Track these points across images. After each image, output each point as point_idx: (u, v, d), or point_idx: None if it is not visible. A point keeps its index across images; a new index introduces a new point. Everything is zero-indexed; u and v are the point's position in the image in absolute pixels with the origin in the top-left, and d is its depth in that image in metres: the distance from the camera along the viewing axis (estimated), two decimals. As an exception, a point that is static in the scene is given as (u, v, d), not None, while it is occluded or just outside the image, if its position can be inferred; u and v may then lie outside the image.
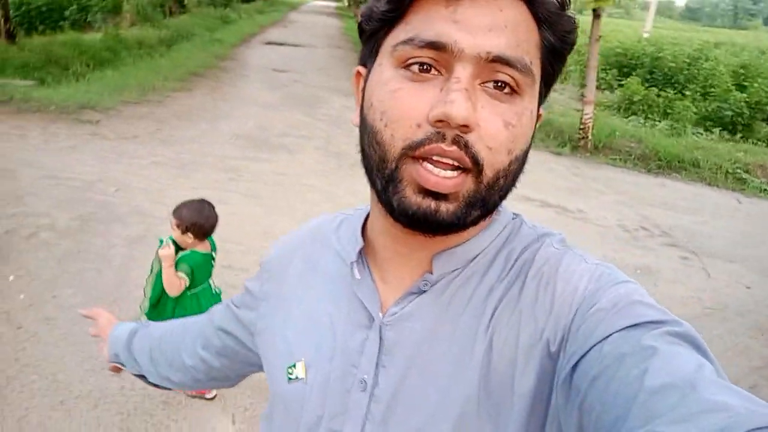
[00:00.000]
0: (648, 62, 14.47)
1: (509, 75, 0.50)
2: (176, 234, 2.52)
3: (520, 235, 0.60)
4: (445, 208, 0.51)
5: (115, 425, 2.39)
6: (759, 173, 7.98)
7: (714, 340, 3.70)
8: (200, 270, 2.60)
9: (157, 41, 13.72)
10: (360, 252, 0.63)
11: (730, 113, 10.48)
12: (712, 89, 11.68)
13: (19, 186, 4.52)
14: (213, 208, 2.68)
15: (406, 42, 0.50)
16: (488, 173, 0.50)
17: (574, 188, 6.72)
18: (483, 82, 0.50)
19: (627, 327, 0.46)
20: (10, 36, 11.61)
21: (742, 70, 13.23)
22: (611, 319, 0.48)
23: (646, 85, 12.37)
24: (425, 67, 0.50)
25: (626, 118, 10.88)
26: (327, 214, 0.76)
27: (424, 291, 0.58)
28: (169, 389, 1.00)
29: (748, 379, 3.37)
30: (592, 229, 5.50)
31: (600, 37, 8.59)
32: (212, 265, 2.72)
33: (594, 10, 8.55)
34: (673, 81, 13.46)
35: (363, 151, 0.56)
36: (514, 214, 0.63)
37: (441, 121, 0.48)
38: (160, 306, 2.57)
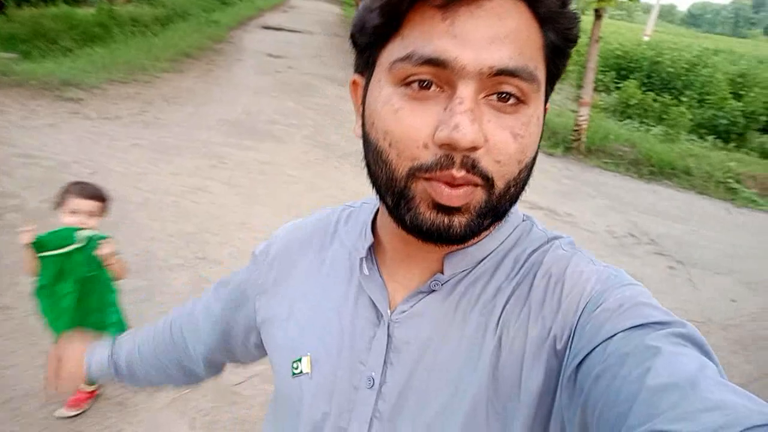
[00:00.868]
0: (647, 66, 14.40)
1: (514, 85, 0.48)
2: (93, 222, 2.15)
3: (530, 237, 0.60)
4: (458, 221, 0.51)
5: (65, 427, 2.27)
6: (750, 184, 7.92)
7: (695, 356, 3.62)
8: None
9: (152, 19, 13.45)
10: (370, 248, 0.63)
11: (725, 121, 10.44)
12: (709, 96, 11.64)
13: (-9, 164, 4.37)
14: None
15: (403, 59, 0.49)
16: (499, 185, 0.50)
17: (565, 191, 6.63)
18: (487, 95, 0.49)
19: (632, 327, 0.47)
20: (0, 7, 11.34)
21: (739, 79, 13.20)
22: (616, 319, 0.48)
23: (644, 89, 12.29)
24: (425, 83, 0.49)
25: (621, 121, 10.80)
26: (333, 206, 0.75)
27: (434, 290, 0.58)
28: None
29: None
30: (580, 234, 5.41)
31: (600, 38, 8.48)
32: None
33: (596, 11, 8.42)
34: (670, 86, 13.41)
35: (368, 166, 0.55)
36: (524, 215, 0.63)
37: (448, 145, 0.47)
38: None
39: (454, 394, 0.55)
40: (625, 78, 13.42)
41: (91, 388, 2.38)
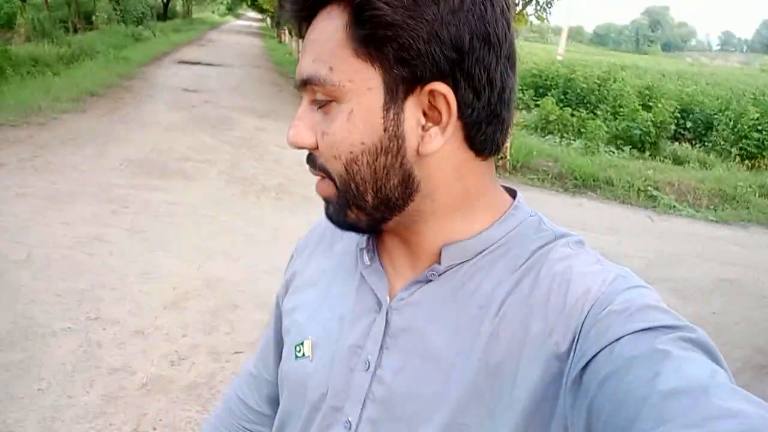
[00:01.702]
0: (562, 83, 14.91)
1: (318, 91, 0.53)
2: None
3: (537, 233, 0.59)
4: (331, 209, 0.58)
5: None
6: (668, 190, 8.15)
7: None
8: None
9: (56, 58, 12.65)
10: (370, 239, 0.65)
11: (638, 132, 10.80)
12: (621, 109, 12.08)
13: None
14: None
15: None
16: (337, 180, 0.55)
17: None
18: (312, 102, 0.55)
19: (639, 330, 0.46)
20: None
21: (647, 91, 13.85)
22: (623, 322, 0.47)
23: (561, 105, 12.64)
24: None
25: (543, 137, 10.99)
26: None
27: (431, 280, 0.59)
28: None
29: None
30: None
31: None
32: None
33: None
34: (585, 101, 13.89)
35: None
36: (532, 212, 0.62)
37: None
38: None
39: (446, 381, 0.55)
40: (543, 95, 13.79)
41: None
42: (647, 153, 10.50)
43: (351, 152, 0.53)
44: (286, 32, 28.23)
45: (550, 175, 8.25)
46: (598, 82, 14.45)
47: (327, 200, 0.58)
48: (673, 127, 11.42)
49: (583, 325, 0.50)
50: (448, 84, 0.51)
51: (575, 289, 0.53)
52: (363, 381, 0.60)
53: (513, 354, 0.53)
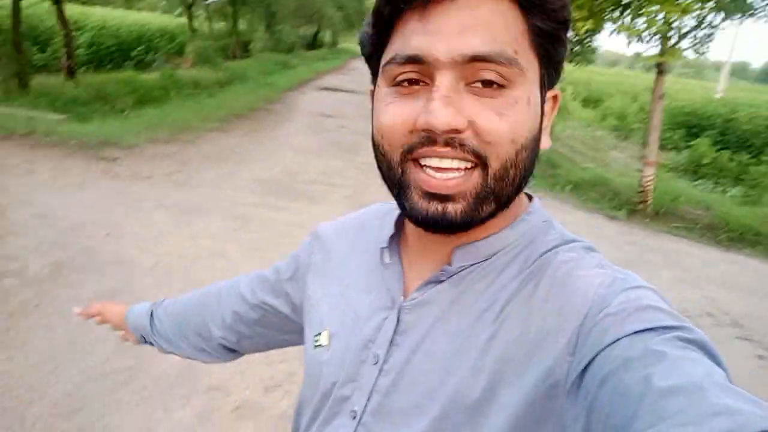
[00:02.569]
0: (720, 123, 13.47)
1: (493, 71, 0.51)
2: None
3: (546, 238, 0.60)
4: (453, 209, 0.53)
5: None
6: None
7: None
8: None
9: (213, 82, 13.92)
10: (391, 238, 0.67)
11: (815, 182, 9.36)
12: (794, 155, 10.58)
13: (3, 225, 4.21)
14: None
15: (390, 62, 0.54)
16: (494, 165, 0.52)
17: (627, 259, 5.89)
18: (469, 83, 0.52)
19: (637, 331, 0.46)
20: (70, 72, 12.02)
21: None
22: (621, 323, 0.48)
23: (717, 147, 11.36)
24: (413, 81, 0.53)
25: (693, 181, 9.92)
26: (383, 203, 0.78)
27: (442, 281, 0.61)
28: (192, 358, 1.00)
29: None
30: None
31: (663, 95, 7.84)
32: None
33: (657, 66, 7.85)
34: (748, 144, 12.37)
35: (377, 164, 0.59)
36: (546, 217, 0.63)
37: (428, 130, 0.51)
38: None
39: (443, 378, 0.57)
40: (695, 136, 12.53)
41: None
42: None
43: (526, 137, 0.54)
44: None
45: (698, 225, 7.35)
46: (766, 123, 12.83)
47: (455, 197, 0.53)
48: None
49: (580, 328, 0.51)
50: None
51: (573, 293, 0.53)
52: (371, 374, 0.63)
53: (511, 355, 0.54)
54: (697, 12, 7.50)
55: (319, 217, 5.53)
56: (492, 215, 0.55)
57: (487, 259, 0.60)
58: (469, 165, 0.52)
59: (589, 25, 7.02)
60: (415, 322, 0.61)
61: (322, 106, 12.98)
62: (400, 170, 0.55)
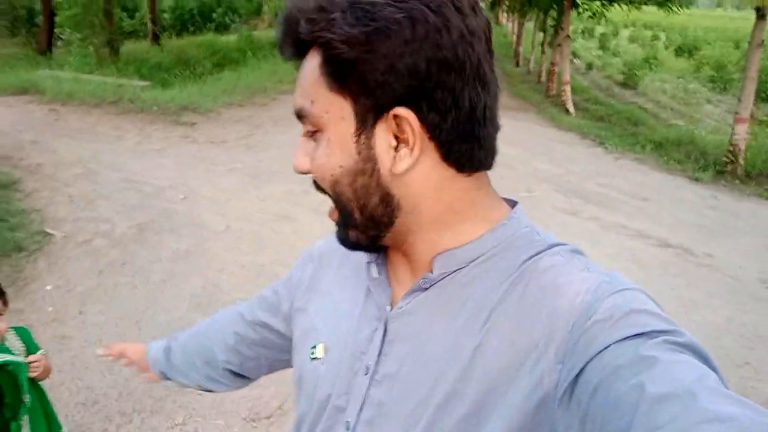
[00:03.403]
0: (833, 71, 12.08)
1: (307, 122, 0.58)
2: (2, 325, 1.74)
3: (529, 243, 0.60)
4: (337, 232, 0.64)
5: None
6: None
7: None
8: None
9: (288, 42, 14.10)
10: (378, 254, 0.69)
11: None
12: None
13: (95, 188, 4.63)
14: None
15: None
16: (334, 200, 0.61)
17: (706, 225, 5.59)
18: (308, 133, 0.60)
19: (625, 338, 0.46)
20: (155, 38, 12.62)
21: None
22: (609, 330, 0.48)
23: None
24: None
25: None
26: None
27: (426, 288, 0.62)
28: (210, 391, 1.04)
29: None
30: (719, 281, 4.45)
31: (762, 42, 7.16)
32: None
33: (757, 9, 7.15)
34: None
35: None
36: (528, 223, 0.63)
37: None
38: None
39: (432, 387, 0.57)
40: (802, 86, 11.36)
41: None
42: None
43: (332, 175, 0.58)
44: (504, 13, 27.60)
45: (796, 188, 6.78)
46: None
47: (336, 224, 0.63)
48: None
49: (569, 337, 0.51)
50: (410, 108, 0.55)
51: (560, 301, 0.53)
52: (362, 385, 0.64)
53: (499, 364, 0.54)
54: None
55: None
56: (373, 238, 0.62)
57: (468, 264, 0.60)
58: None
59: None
60: (402, 331, 0.63)
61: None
62: None
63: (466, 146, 0.57)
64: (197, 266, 3.74)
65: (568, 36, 11.06)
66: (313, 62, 0.56)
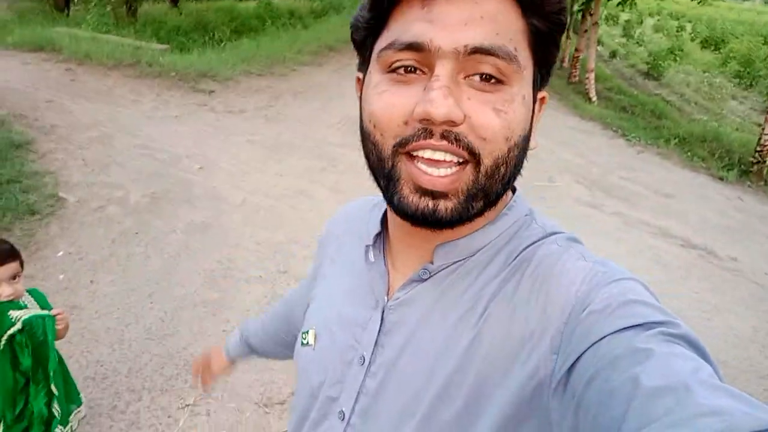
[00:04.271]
0: None
1: (492, 65, 0.50)
2: (20, 287, 1.72)
3: (528, 232, 0.60)
4: (444, 206, 0.52)
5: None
6: None
7: None
8: None
9: (307, 12, 13.87)
10: (378, 236, 0.67)
11: None
12: None
13: (110, 154, 4.52)
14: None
15: (387, 47, 0.52)
16: (486, 162, 0.51)
17: (732, 227, 5.44)
18: (468, 76, 0.51)
19: (621, 329, 0.46)
20: (174, 1, 12.39)
21: None
22: (604, 321, 0.47)
23: None
24: (410, 68, 0.51)
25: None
26: (369, 197, 0.76)
27: (425, 279, 0.60)
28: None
29: None
30: (745, 287, 4.33)
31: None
32: None
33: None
34: None
35: (365, 153, 0.57)
36: (528, 209, 0.63)
37: (426, 120, 0.49)
38: None
39: (429, 379, 0.56)
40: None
41: None
42: None
43: (520, 136, 0.53)
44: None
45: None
46: None
47: (447, 195, 0.52)
48: None
49: (564, 327, 0.50)
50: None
51: (557, 290, 0.53)
52: (357, 375, 0.62)
53: (495, 355, 0.54)
54: None
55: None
56: (480, 213, 0.55)
57: (469, 257, 0.59)
58: (461, 160, 0.51)
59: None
60: (400, 322, 0.61)
61: (415, 40, 12.61)
62: (390, 162, 0.53)
63: None
64: (213, 240, 3.64)
65: (596, 23, 10.75)
66: (510, 7, 0.51)
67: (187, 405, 2.41)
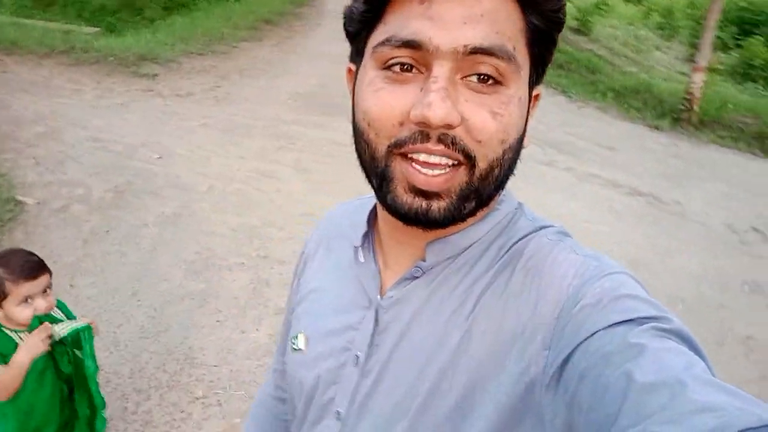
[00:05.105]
0: (776, 18, 12.53)
1: (491, 65, 0.49)
2: (52, 300, 1.69)
3: (517, 226, 0.60)
4: (437, 206, 0.52)
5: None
6: None
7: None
8: None
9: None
10: (366, 236, 0.66)
11: None
12: None
13: (62, 149, 4.32)
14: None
15: (384, 43, 0.51)
16: (481, 165, 0.51)
17: (671, 173, 5.82)
18: (465, 76, 0.50)
19: (614, 324, 0.46)
20: (92, -23, 11.60)
21: None
22: (596, 316, 0.47)
23: (772, 46, 10.70)
24: (406, 66, 0.51)
25: (741, 84, 9.46)
26: (352, 199, 0.77)
27: (417, 277, 0.60)
28: None
29: None
30: (691, 228, 4.69)
31: (723, -9, 7.31)
32: None
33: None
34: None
35: (356, 150, 0.57)
36: (517, 203, 0.63)
37: (422, 123, 0.49)
38: None
39: (421, 375, 0.56)
40: (748, 34, 11.75)
41: None
42: None
43: (515, 138, 0.53)
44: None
45: (747, 135, 7.13)
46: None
47: (440, 195, 0.52)
48: None
49: (556, 322, 0.50)
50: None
51: (548, 285, 0.53)
52: (352, 375, 0.62)
53: (487, 351, 0.54)
54: None
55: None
56: (472, 213, 0.55)
57: (461, 253, 0.59)
58: (455, 162, 0.51)
59: None
60: (393, 321, 0.61)
61: (350, 7, 12.39)
62: (384, 162, 0.52)
63: None
64: (187, 231, 3.60)
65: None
66: (512, 6, 0.50)
67: (197, 398, 2.44)
